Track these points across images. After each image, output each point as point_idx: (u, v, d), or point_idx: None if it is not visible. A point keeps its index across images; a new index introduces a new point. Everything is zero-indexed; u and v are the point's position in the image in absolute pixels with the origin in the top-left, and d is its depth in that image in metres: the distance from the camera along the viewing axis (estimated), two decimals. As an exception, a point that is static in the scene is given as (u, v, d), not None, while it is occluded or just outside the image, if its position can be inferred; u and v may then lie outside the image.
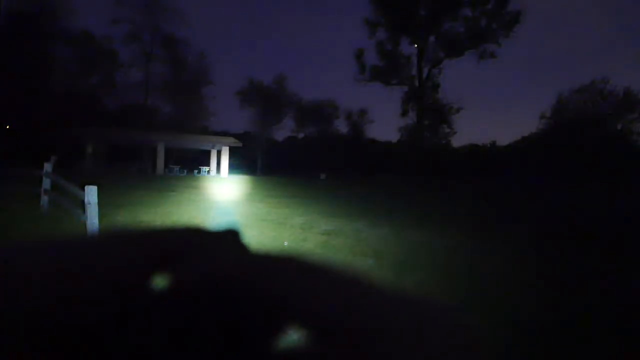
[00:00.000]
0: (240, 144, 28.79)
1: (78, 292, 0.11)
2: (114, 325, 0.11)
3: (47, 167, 6.36)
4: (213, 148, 29.35)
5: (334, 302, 0.12)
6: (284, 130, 56.70)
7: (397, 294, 0.13)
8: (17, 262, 0.12)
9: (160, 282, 0.13)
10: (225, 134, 35.09)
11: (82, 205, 4.19)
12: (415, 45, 31.60)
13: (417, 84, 32.28)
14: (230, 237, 0.15)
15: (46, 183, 6.41)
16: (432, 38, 31.24)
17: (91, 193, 3.91)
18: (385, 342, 0.11)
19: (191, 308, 0.12)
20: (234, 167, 30.63)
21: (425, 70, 32.00)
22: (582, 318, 2.80)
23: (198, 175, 27.41)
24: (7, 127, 26.67)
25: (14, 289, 0.11)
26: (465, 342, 0.13)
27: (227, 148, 27.90)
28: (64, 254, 0.12)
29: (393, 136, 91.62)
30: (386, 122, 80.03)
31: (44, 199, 6.43)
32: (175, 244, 0.14)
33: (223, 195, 11.82)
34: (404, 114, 34.41)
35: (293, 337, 0.12)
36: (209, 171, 29.88)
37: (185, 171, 28.97)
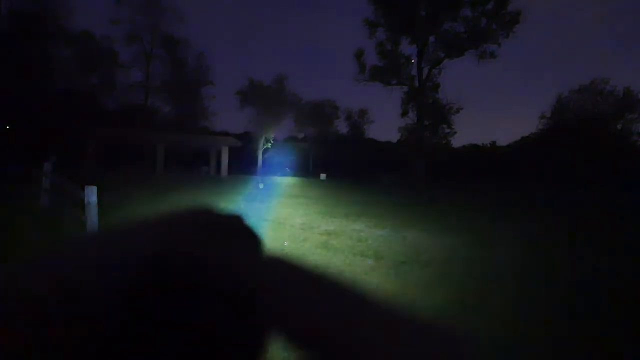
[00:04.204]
0: (239, 144, 28.78)
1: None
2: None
3: (47, 167, 6.36)
4: (213, 148, 29.36)
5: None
6: (284, 130, 56.59)
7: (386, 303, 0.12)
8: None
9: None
10: (225, 134, 35.10)
11: (81, 205, 4.19)
12: (416, 46, 31.57)
13: (417, 84, 32.23)
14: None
15: (46, 183, 6.41)
16: (432, 38, 31.19)
17: (91, 193, 3.91)
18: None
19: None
20: (233, 167, 30.62)
21: (425, 70, 31.96)
22: None
23: (198, 174, 27.42)
24: (7, 127, 26.65)
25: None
26: None
27: (227, 148, 27.90)
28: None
29: (393, 136, 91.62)
30: (386, 122, 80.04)
31: (44, 198, 6.42)
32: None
33: (217, 194, 11.82)
34: (404, 114, 34.32)
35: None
36: (208, 171, 29.90)
37: (185, 171, 28.97)
